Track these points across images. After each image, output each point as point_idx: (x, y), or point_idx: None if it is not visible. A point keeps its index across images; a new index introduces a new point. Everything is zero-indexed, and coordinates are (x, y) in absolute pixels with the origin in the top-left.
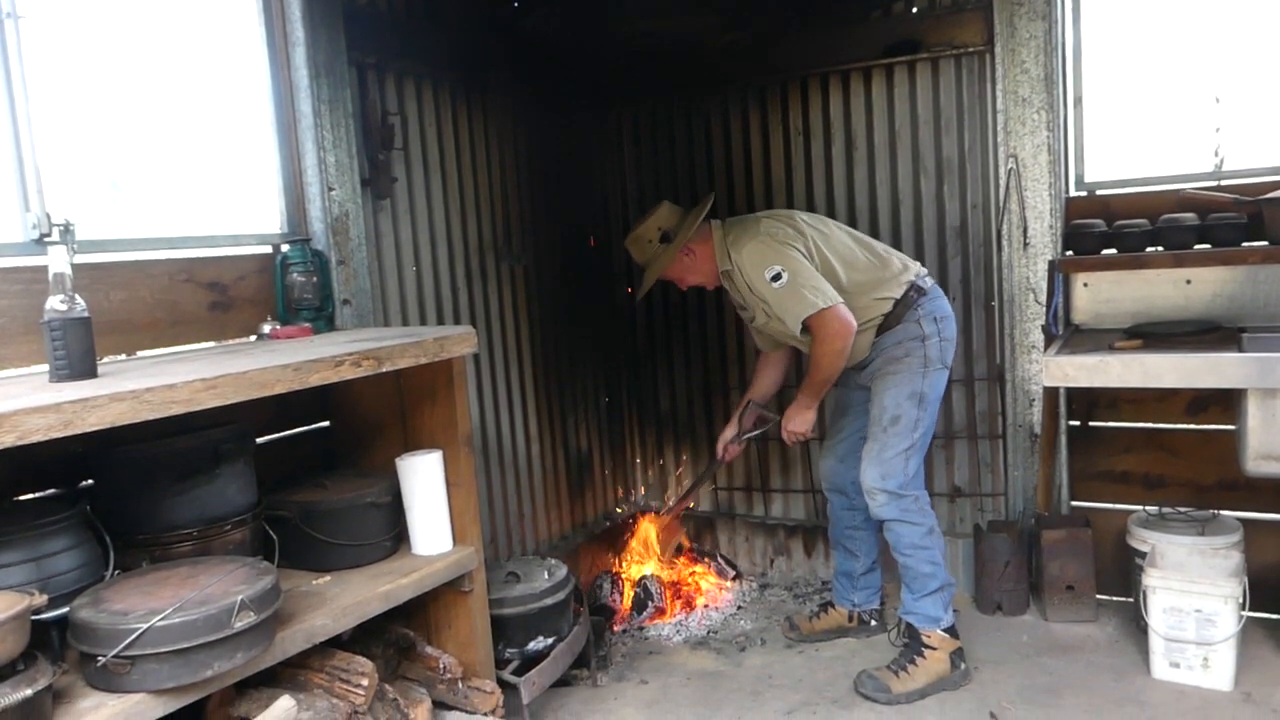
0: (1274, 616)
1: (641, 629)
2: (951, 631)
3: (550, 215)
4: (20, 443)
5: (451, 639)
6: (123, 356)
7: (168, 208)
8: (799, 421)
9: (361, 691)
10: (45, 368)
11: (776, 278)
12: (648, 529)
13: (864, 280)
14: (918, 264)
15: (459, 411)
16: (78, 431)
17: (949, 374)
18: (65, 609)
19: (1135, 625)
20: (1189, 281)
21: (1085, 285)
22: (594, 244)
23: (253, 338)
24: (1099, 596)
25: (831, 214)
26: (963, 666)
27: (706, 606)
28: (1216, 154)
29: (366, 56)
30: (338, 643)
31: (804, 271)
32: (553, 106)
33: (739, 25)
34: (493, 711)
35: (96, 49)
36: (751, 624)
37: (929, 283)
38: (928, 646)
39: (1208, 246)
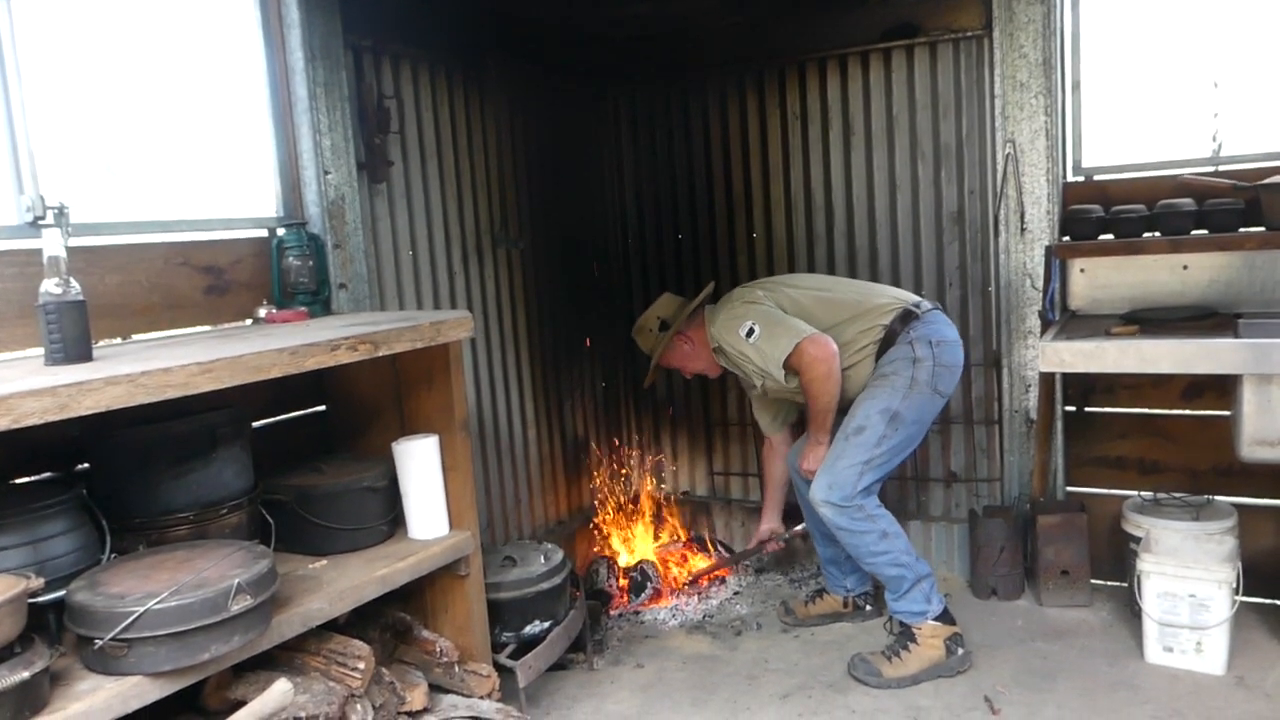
0: (1267, 601)
1: (637, 613)
2: (945, 617)
3: (547, 199)
4: (15, 426)
5: (448, 623)
6: (118, 340)
7: (163, 191)
8: (812, 459)
9: (358, 675)
10: (40, 351)
11: (750, 332)
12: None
13: (846, 316)
14: (914, 295)
15: (455, 396)
16: (73, 415)
17: (944, 402)
18: (62, 592)
19: (1129, 610)
20: (1186, 267)
21: (1082, 271)
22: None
23: (248, 322)
24: (1093, 581)
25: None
26: (960, 651)
27: (701, 592)
28: (1214, 139)
29: (363, 39)
30: (334, 626)
31: (773, 317)
32: (550, 89)
33: (736, 8)
34: (489, 695)
35: (91, 31)
36: (747, 609)
37: (925, 307)
38: (920, 635)
39: (1205, 232)
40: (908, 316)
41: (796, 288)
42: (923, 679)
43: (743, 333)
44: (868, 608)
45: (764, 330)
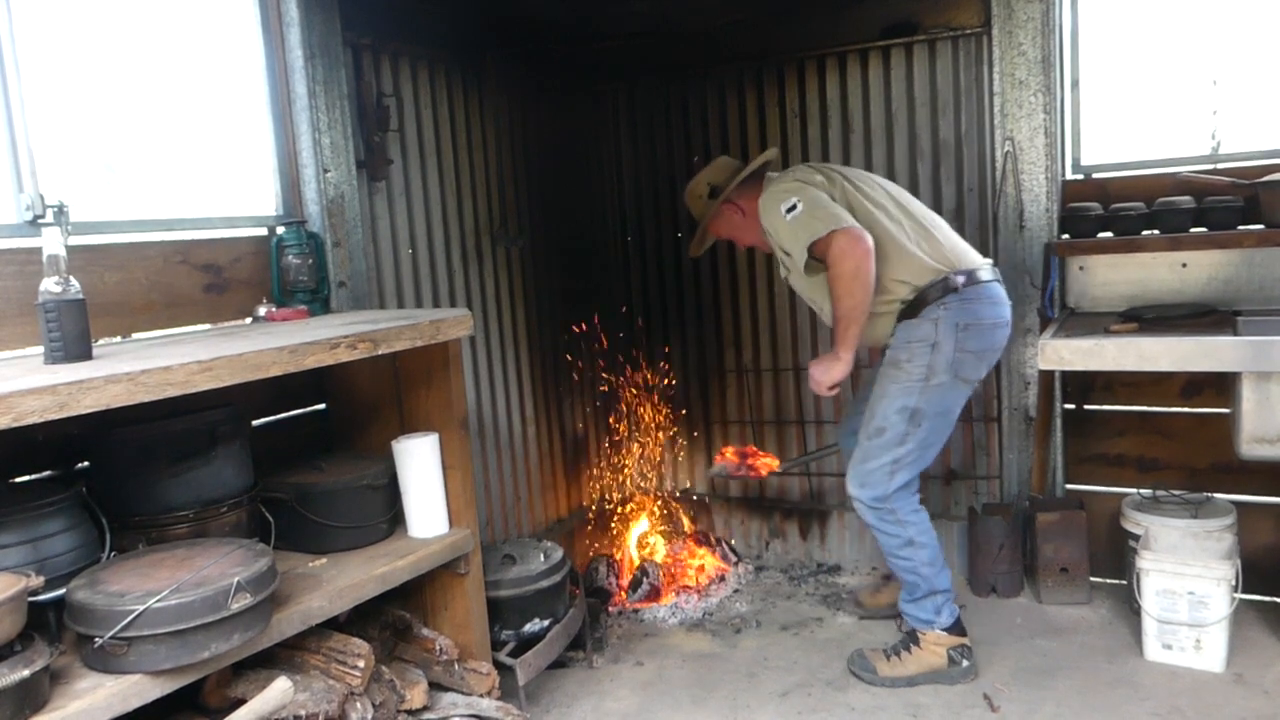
0: (1266, 599)
1: (637, 611)
2: (955, 629)
3: (546, 197)
4: (16, 424)
5: (448, 621)
6: (118, 339)
7: (163, 190)
8: (822, 369)
9: (358, 673)
10: (40, 350)
11: (791, 208)
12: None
13: (891, 251)
14: (973, 260)
15: (455, 394)
16: (73, 413)
17: (971, 388)
18: (62, 590)
19: (1128, 607)
20: (1185, 265)
21: (1081, 268)
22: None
23: (248, 320)
24: (1092, 579)
25: None
26: (965, 664)
27: (701, 590)
28: (1213, 137)
29: (362, 37)
30: (334, 624)
31: (819, 200)
32: (549, 87)
33: (736, 6)
34: (489, 693)
35: (90, 29)
36: (747, 606)
37: (981, 278)
38: (924, 640)
39: (1204, 230)
40: (946, 287)
41: (859, 188)
42: (918, 682)
43: (784, 208)
44: None
45: (805, 209)
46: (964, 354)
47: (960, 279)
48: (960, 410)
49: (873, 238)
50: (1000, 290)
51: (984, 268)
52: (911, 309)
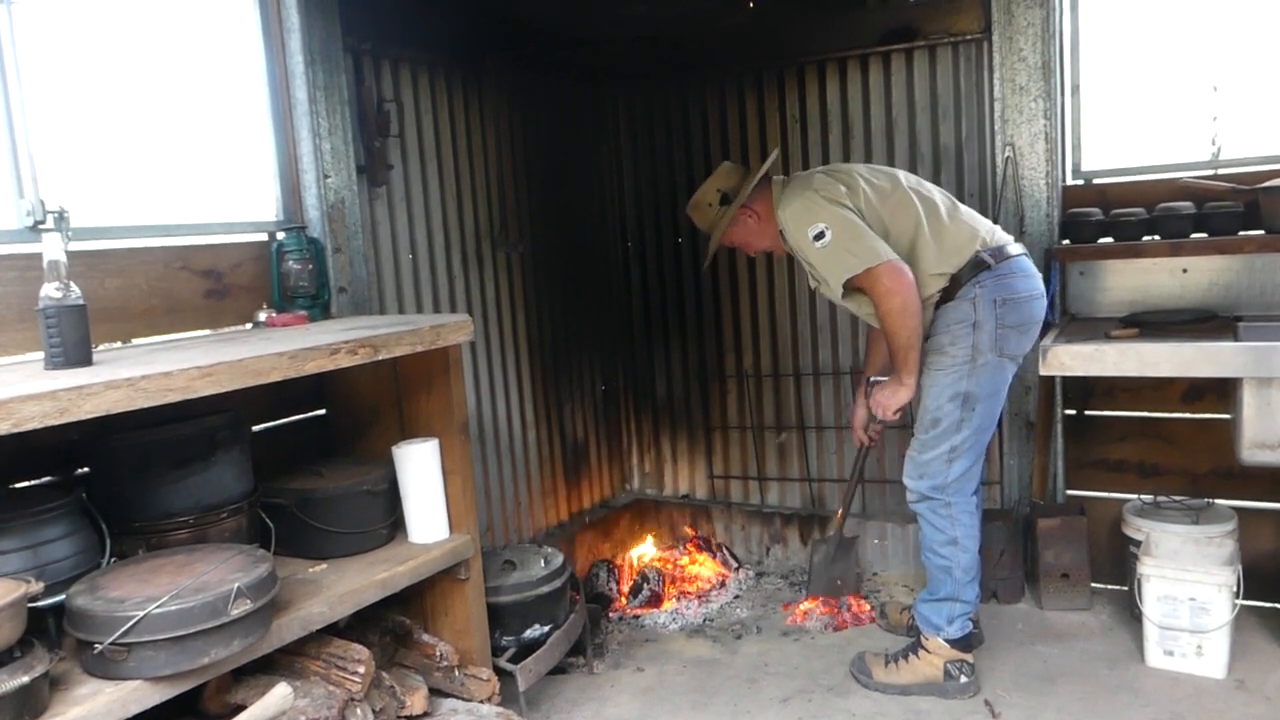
0: (1267, 605)
1: (637, 617)
2: (960, 644)
3: (547, 201)
4: (15, 430)
5: (448, 626)
6: (118, 344)
7: (164, 195)
8: (888, 394)
9: (358, 679)
10: (40, 355)
11: (819, 236)
12: None
13: (920, 246)
14: (998, 236)
15: (455, 399)
16: (73, 419)
17: (1016, 365)
18: (62, 596)
19: (1129, 613)
20: (1185, 270)
21: (1081, 274)
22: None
23: (248, 325)
24: (1093, 584)
25: None
26: (963, 679)
27: (702, 596)
28: (1214, 142)
29: (362, 42)
30: (334, 630)
31: (850, 229)
32: (549, 91)
33: (736, 10)
34: (489, 699)
35: (92, 35)
36: (747, 612)
37: (1010, 252)
38: (923, 649)
39: (1204, 235)
40: (978, 266)
41: (881, 193)
42: (913, 692)
43: (812, 234)
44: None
45: (835, 239)
46: (1005, 329)
47: (991, 255)
48: (1008, 388)
49: (901, 242)
50: (1029, 263)
51: (1010, 242)
52: (948, 292)
